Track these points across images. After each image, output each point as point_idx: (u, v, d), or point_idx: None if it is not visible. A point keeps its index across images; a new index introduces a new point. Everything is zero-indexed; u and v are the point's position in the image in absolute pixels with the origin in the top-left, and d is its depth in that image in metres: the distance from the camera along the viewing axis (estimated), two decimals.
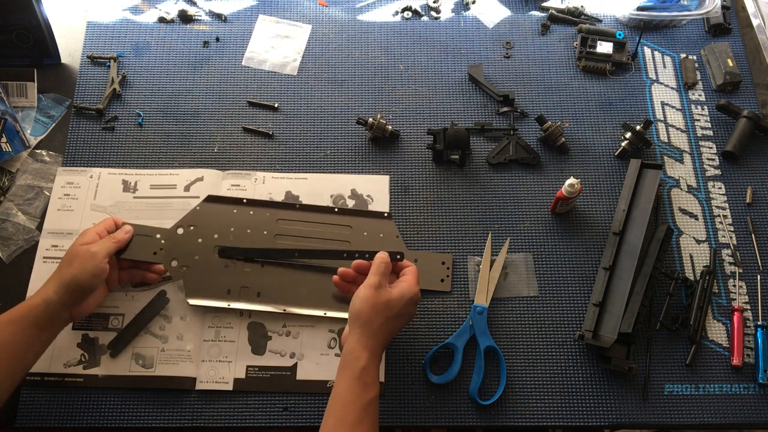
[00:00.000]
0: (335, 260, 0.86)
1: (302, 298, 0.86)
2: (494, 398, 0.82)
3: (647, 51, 1.08)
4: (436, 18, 1.10)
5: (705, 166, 0.99)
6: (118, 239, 0.83)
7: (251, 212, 0.91)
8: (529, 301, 0.89)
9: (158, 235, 0.87)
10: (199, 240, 0.88)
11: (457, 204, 0.95)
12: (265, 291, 0.86)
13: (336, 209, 0.91)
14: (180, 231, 0.88)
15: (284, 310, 0.85)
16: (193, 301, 0.85)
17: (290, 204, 0.92)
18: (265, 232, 0.89)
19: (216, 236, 0.88)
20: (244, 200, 0.91)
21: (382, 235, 0.90)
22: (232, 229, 0.89)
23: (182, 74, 1.03)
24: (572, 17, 1.10)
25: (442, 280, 0.89)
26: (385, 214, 0.92)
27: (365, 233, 0.90)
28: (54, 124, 0.99)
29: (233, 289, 0.86)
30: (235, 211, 0.90)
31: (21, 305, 0.75)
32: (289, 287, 0.86)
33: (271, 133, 0.99)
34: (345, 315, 0.84)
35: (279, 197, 0.93)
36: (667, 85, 1.05)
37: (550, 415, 0.82)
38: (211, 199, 0.91)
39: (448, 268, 0.89)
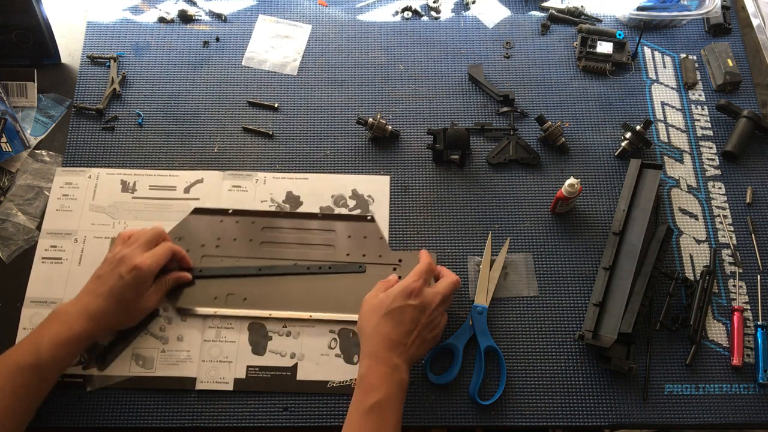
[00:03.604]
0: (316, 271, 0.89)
1: (288, 302, 0.86)
2: (494, 398, 0.82)
3: (647, 51, 1.08)
4: (436, 18, 1.10)
5: (705, 166, 0.99)
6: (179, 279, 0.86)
7: (237, 221, 0.91)
8: (529, 301, 0.89)
9: None
10: (187, 251, 0.88)
11: (457, 204, 0.95)
12: (251, 297, 0.86)
13: (319, 215, 0.92)
14: None
15: (270, 314, 0.85)
16: (180, 306, 0.85)
17: (274, 212, 0.92)
18: (250, 240, 0.90)
19: (203, 246, 0.89)
20: (230, 211, 0.91)
21: (365, 237, 0.90)
22: (218, 239, 0.89)
23: (182, 74, 1.03)
24: (572, 17, 1.10)
25: None
26: (369, 217, 0.92)
27: (349, 236, 0.90)
28: (54, 124, 0.99)
29: (219, 297, 0.86)
30: (221, 221, 0.91)
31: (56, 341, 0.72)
32: (274, 292, 0.87)
33: (271, 133, 0.99)
34: (330, 316, 0.85)
35: (280, 197, 0.93)
36: (667, 85, 1.05)
37: (550, 415, 0.82)
38: (197, 211, 0.91)
39: None
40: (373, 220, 0.92)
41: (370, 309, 0.76)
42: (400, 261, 0.89)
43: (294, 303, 0.86)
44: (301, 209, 0.93)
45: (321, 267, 0.88)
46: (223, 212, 0.92)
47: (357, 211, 0.93)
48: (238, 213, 0.92)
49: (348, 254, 0.89)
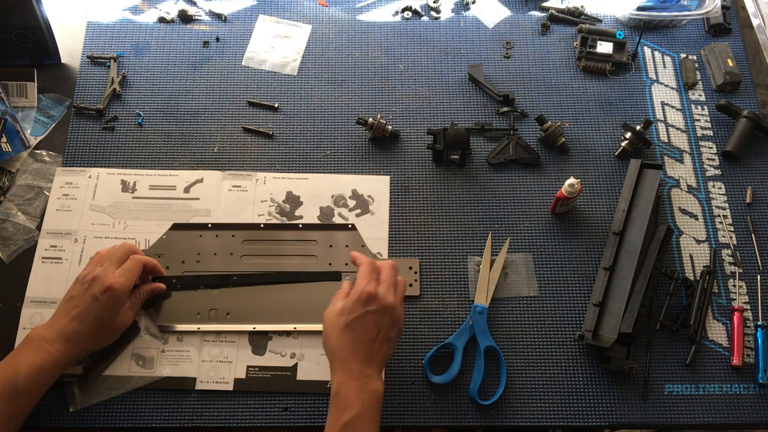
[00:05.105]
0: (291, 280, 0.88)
1: (271, 314, 0.86)
2: (494, 398, 0.82)
3: (647, 51, 1.08)
4: (436, 18, 1.10)
5: (705, 166, 0.99)
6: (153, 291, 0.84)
7: (216, 236, 0.90)
8: (529, 301, 0.89)
9: None
10: (167, 267, 0.87)
11: (457, 204, 0.95)
12: (234, 311, 0.86)
13: (300, 225, 0.91)
14: None
15: (254, 328, 0.85)
16: (163, 327, 0.84)
17: (254, 224, 0.91)
18: (231, 254, 0.89)
19: (183, 262, 0.88)
20: (209, 225, 0.91)
21: (347, 246, 0.90)
22: (198, 254, 0.89)
23: (182, 74, 1.03)
24: (572, 17, 1.10)
25: (411, 285, 0.88)
26: (350, 225, 0.92)
27: (330, 245, 0.90)
28: (54, 124, 0.99)
29: (202, 313, 0.85)
30: (200, 236, 0.90)
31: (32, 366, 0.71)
32: (257, 305, 0.86)
33: (271, 133, 0.99)
34: (314, 327, 0.85)
35: (280, 198, 0.93)
36: (667, 85, 1.05)
37: (550, 415, 0.82)
38: (176, 226, 0.91)
39: (415, 273, 0.89)
40: (354, 228, 0.92)
41: (330, 325, 0.73)
42: None
43: (278, 315, 0.85)
44: (300, 209, 0.93)
45: (298, 275, 0.88)
46: (202, 227, 0.91)
47: (357, 211, 0.93)
48: (217, 227, 0.91)
49: (330, 263, 0.89)
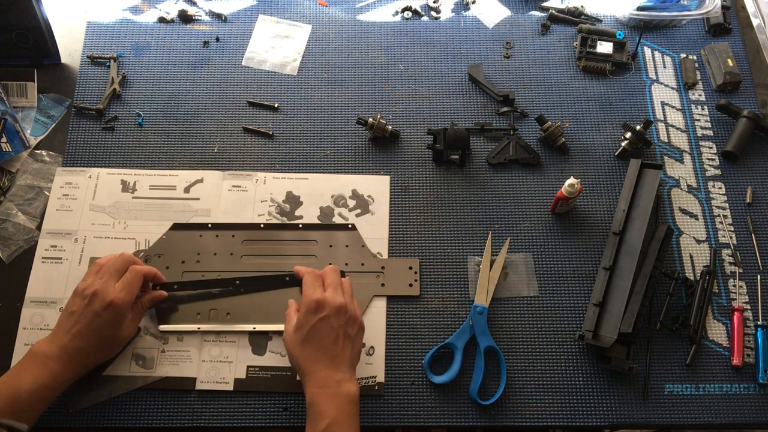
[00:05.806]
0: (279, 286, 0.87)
1: (271, 314, 0.85)
2: (494, 398, 0.82)
3: (647, 51, 1.08)
4: (436, 18, 1.10)
5: (705, 166, 0.99)
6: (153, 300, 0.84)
7: (217, 236, 0.90)
8: (529, 301, 0.89)
9: None
10: (167, 267, 0.87)
11: (457, 204, 0.95)
12: (234, 311, 0.86)
13: (300, 225, 0.91)
14: (147, 260, 0.88)
15: (254, 328, 0.85)
16: (163, 327, 0.84)
17: (254, 224, 0.91)
18: (231, 254, 0.89)
19: (183, 262, 0.88)
20: (209, 225, 0.91)
21: (347, 246, 0.90)
22: (198, 254, 0.89)
23: (182, 74, 1.03)
24: (572, 17, 1.10)
25: (411, 285, 0.88)
26: (350, 225, 0.92)
27: (330, 245, 0.90)
28: (54, 124, 0.99)
29: (203, 312, 0.85)
30: (200, 236, 0.90)
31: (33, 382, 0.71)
32: (257, 305, 0.86)
33: (271, 133, 0.99)
34: None
35: (280, 198, 0.93)
36: (667, 85, 1.05)
37: (550, 415, 0.82)
38: (176, 226, 0.91)
39: (415, 273, 0.89)
40: (354, 228, 0.92)
41: (290, 343, 0.75)
42: (382, 268, 0.89)
43: (278, 315, 0.85)
44: (300, 209, 0.93)
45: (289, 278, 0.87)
46: (202, 227, 0.91)
47: (357, 211, 0.93)
48: (217, 227, 0.91)
49: (330, 264, 0.89)
